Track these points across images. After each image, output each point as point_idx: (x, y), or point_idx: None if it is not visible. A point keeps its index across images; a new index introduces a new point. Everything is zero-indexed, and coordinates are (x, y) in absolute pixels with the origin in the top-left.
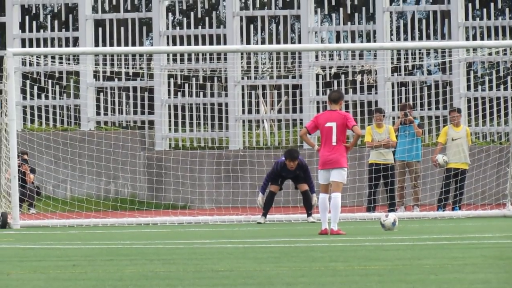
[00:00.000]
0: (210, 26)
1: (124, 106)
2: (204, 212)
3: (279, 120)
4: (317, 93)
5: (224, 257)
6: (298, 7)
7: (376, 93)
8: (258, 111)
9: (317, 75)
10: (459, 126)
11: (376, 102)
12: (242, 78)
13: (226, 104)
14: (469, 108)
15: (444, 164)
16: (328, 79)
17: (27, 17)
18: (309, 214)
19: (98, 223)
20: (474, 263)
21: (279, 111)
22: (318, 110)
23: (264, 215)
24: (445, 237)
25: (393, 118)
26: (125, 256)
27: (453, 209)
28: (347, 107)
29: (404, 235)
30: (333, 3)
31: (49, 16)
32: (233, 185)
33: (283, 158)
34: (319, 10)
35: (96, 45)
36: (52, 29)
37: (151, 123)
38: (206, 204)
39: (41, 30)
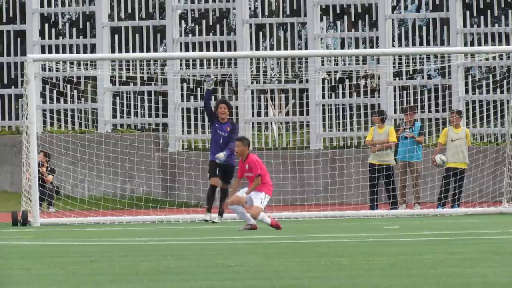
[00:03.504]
0: (221, 33)
1: (139, 110)
2: (215, 210)
3: (287, 123)
4: (323, 97)
5: (234, 253)
6: (305, 15)
7: (379, 97)
8: (267, 114)
9: (323, 80)
10: (459, 128)
11: (378, 105)
12: (252, 83)
13: (237, 107)
14: (467, 110)
15: (442, 163)
16: (333, 83)
17: (46, 25)
18: (220, 213)
19: (114, 221)
20: (472, 257)
21: (287, 114)
22: (324, 113)
23: (209, 210)
24: (444, 233)
25: (395, 120)
26: (140, 252)
27: (452, 206)
28: (351, 109)
29: (405, 232)
30: (338, 11)
31: (67, 24)
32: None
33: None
34: (324, 17)
35: (113, 51)
36: (71, 36)
37: (165, 125)
38: (217, 203)
39: (60, 37)
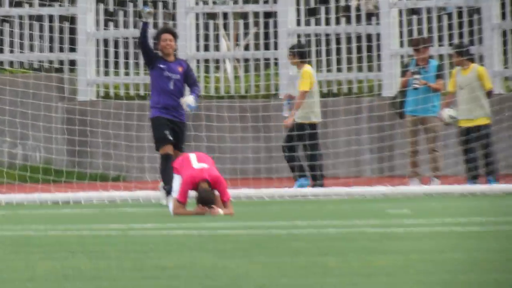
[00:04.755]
0: None
1: (37, 41)
2: (144, 186)
3: (246, 60)
4: (298, 24)
5: (174, 249)
6: None
7: (377, 24)
8: (217, 48)
9: None
10: (468, 68)
11: (377, 35)
12: (196, 4)
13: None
14: (505, 43)
15: (451, 121)
16: (312, 5)
17: None
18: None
19: None
20: None
21: (246, 47)
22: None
23: (168, 191)
24: (477, 220)
25: (401, 57)
26: (37, 246)
27: (488, 181)
28: (338, 42)
29: (419, 218)
30: None
31: None
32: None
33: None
34: None
35: None
36: None
37: (72, 63)
38: (147, 174)
39: None
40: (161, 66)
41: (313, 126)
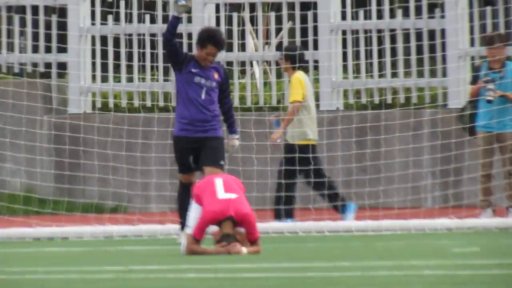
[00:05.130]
0: None
1: (16, 38)
2: (150, 218)
3: (279, 63)
4: (343, 17)
5: None
6: None
7: (442, 17)
8: (243, 48)
9: None
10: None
11: (442, 31)
12: None
13: (190, 36)
14: None
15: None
16: None
17: None
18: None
19: None
20: None
21: (279, 47)
22: (344, 45)
23: (183, 225)
24: None
25: (472, 58)
26: None
27: None
28: (393, 40)
29: (492, 259)
30: None
31: None
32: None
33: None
34: None
35: None
36: None
37: (61, 67)
38: (154, 205)
39: None
40: (193, 70)
41: (308, 147)
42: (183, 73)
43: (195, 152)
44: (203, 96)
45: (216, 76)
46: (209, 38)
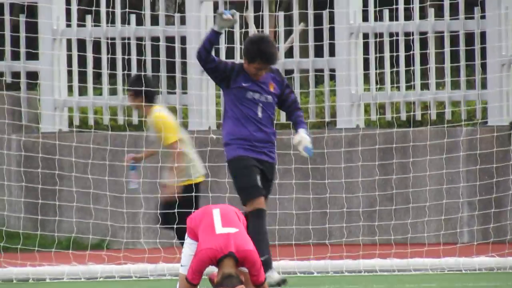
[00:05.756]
0: None
1: None
2: (138, 256)
3: (289, 72)
4: (365, 18)
5: None
6: None
7: (482, 17)
8: None
9: None
10: None
11: (482, 34)
12: None
13: (183, 40)
14: None
15: None
16: None
17: None
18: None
19: None
20: None
21: (289, 52)
22: (366, 51)
23: (267, 263)
24: None
25: None
26: None
27: None
28: (423, 45)
29: None
30: None
31: None
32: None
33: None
34: None
35: None
36: None
37: (32, 76)
38: (143, 240)
39: None
40: (243, 84)
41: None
42: (232, 89)
43: (260, 173)
44: (260, 114)
45: (271, 88)
46: (260, 55)
